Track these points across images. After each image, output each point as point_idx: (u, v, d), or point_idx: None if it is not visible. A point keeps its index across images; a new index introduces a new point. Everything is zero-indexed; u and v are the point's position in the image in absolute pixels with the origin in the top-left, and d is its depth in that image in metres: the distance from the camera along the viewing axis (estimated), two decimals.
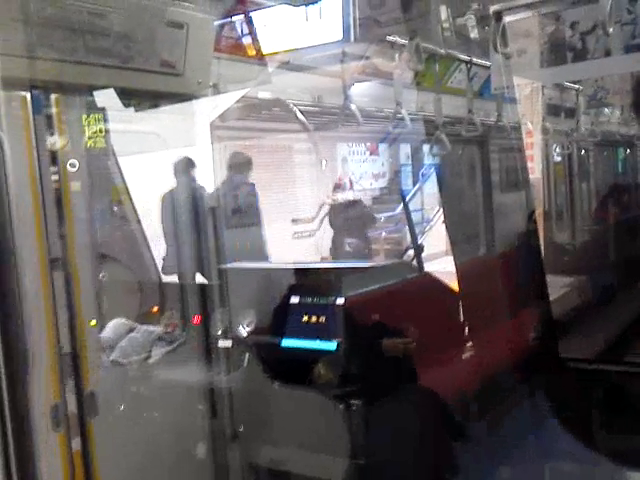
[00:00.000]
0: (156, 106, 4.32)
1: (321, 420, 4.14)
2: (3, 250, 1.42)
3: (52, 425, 3.49)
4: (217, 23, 4.47)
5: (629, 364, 3.84)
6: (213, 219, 4.50)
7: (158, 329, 4.47)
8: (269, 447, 4.45)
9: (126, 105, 4.06)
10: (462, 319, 5.27)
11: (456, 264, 5.26)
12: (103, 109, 4.01)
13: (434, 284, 5.22)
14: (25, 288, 3.42)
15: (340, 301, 4.29)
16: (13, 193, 3.38)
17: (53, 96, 3.61)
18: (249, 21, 4.73)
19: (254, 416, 4.48)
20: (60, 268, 3.62)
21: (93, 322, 3.92)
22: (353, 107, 5.16)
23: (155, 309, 4.63)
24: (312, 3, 3.86)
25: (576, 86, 8.41)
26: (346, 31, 4.40)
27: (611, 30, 3.44)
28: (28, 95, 3.49)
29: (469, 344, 5.27)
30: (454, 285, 5.14)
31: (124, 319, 4.41)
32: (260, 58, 4.96)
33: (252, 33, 4.79)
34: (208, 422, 4.60)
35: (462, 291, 5.12)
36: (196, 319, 4.58)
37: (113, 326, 4.33)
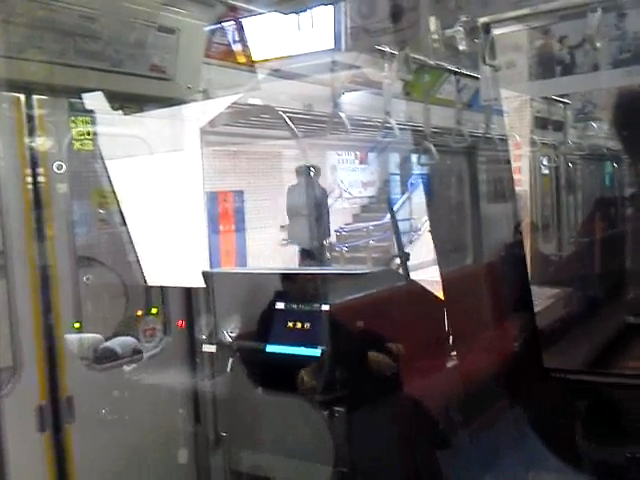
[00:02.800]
0: (145, 110, 4.33)
1: (304, 427, 4.14)
2: None
3: (37, 426, 3.50)
4: (208, 29, 4.49)
5: (613, 375, 3.87)
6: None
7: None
8: (252, 453, 4.44)
9: (116, 108, 4.07)
10: (447, 328, 5.28)
11: (441, 274, 5.27)
12: (92, 112, 4.00)
13: (419, 292, 5.23)
14: (14, 289, 3.44)
15: (325, 307, 4.29)
16: (3, 193, 3.39)
17: (44, 98, 3.62)
18: (240, 28, 4.75)
19: (238, 421, 4.47)
20: (45, 270, 3.63)
21: (77, 325, 3.92)
22: (342, 115, 5.17)
23: (139, 312, 4.61)
24: (301, 11, 3.88)
25: (564, 100, 8.47)
26: (337, 40, 4.42)
27: (599, 45, 3.48)
28: (21, 97, 3.50)
29: (453, 353, 5.27)
30: (439, 294, 5.15)
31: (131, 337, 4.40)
32: (250, 65, 4.98)
33: (243, 40, 4.81)
34: (191, 427, 4.59)
35: (447, 300, 5.13)
36: (180, 323, 4.58)
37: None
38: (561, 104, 8.59)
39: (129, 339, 4.34)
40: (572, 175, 10.76)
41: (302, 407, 4.09)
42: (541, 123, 8.69)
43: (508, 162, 6.88)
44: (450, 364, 5.21)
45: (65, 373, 3.71)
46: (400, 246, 6.11)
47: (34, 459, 3.55)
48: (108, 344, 4.20)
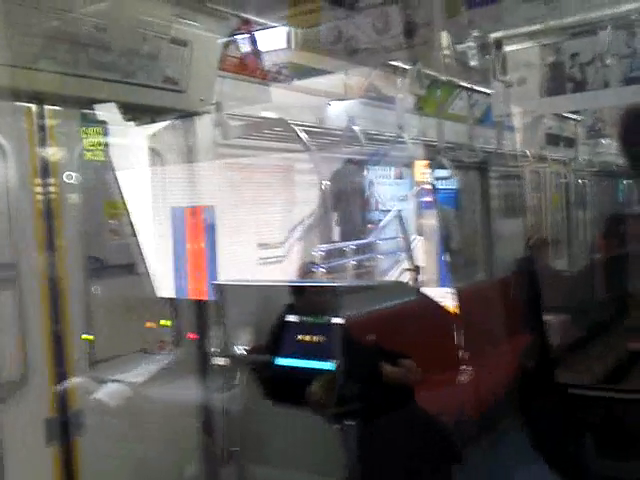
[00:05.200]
0: (158, 121, 4.36)
1: (316, 441, 4.12)
2: (4, 263, 1.42)
3: (46, 438, 3.49)
4: (222, 42, 4.52)
5: (626, 392, 3.84)
6: None
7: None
8: (263, 467, 4.42)
9: (130, 119, 4.10)
10: (460, 342, 5.27)
11: (455, 288, 5.28)
12: (106, 123, 4.02)
13: (432, 306, 5.22)
14: (25, 300, 3.44)
15: (337, 320, 4.28)
16: (14, 201, 3.40)
17: (58, 108, 3.65)
18: (253, 41, 4.78)
19: (248, 436, 4.46)
20: (55, 282, 3.64)
21: (88, 337, 3.92)
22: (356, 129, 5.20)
23: (151, 325, 4.61)
24: (314, 26, 3.90)
25: (575, 116, 8.47)
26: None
27: (609, 62, 3.50)
28: (33, 107, 3.53)
29: (466, 368, 5.25)
30: (452, 308, 5.14)
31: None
32: (264, 78, 5.01)
33: (256, 53, 4.84)
34: (201, 441, 4.57)
35: (460, 314, 5.12)
36: (190, 336, 4.57)
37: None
38: (572, 121, 8.60)
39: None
40: (582, 191, 10.72)
41: (313, 421, 4.07)
42: (552, 140, 8.69)
43: (521, 177, 6.90)
44: (462, 378, 5.19)
45: (74, 386, 3.72)
46: (412, 260, 6.11)
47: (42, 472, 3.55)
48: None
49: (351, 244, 6.71)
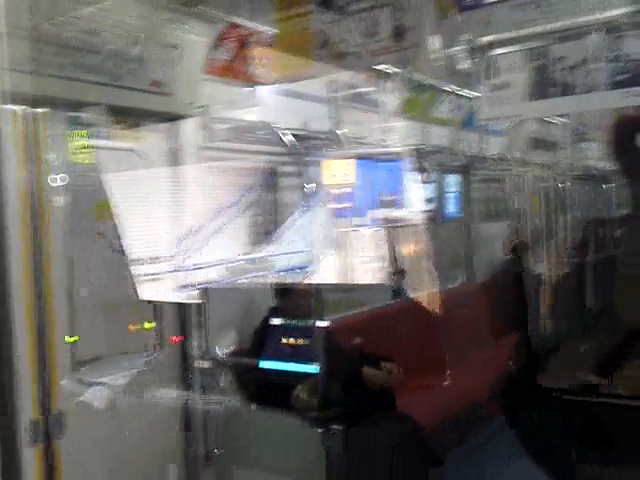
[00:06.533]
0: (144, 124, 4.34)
1: (299, 444, 4.12)
2: None
3: (30, 440, 3.47)
4: (209, 45, 4.51)
5: (608, 396, 3.86)
6: None
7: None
8: (245, 470, 4.41)
9: (115, 122, 4.08)
10: (442, 346, 5.29)
11: (438, 291, 5.30)
12: (90, 125, 4.00)
13: (415, 309, 5.24)
14: (14, 303, 3.42)
15: (321, 323, 4.29)
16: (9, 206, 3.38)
17: (46, 111, 3.62)
18: (241, 45, 4.78)
19: (231, 438, 4.44)
20: (40, 284, 3.62)
21: (70, 338, 3.90)
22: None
23: (134, 327, 4.59)
24: (301, 30, 3.91)
25: (558, 120, 8.54)
26: None
27: (596, 66, 3.52)
28: (20, 109, 3.50)
29: (449, 371, 5.28)
30: (436, 311, 5.17)
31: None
32: (251, 82, 5.01)
33: (244, 57, 4.83)
34: (183, 443, 4.56)
35: (443, 317, 5.14)
36: (174, 339, 4.56)
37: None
38: (555, 125, 8.66)
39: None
40: (563, 195, 10.79)
41: (296, 424, 4.07)
42: (535, 143, 8.75)
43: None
44: (445, 381, 5.21)
45: (57, 388, 3.69)
46: (395, 264, 6.13)
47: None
48: None
49: (238, 259, 5.59)
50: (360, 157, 6.44)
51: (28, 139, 3.56)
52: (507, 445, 4.25)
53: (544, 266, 9.45)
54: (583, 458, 3.75)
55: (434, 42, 3.07)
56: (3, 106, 3.40)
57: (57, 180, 3.75)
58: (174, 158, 4.60)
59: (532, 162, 8.76)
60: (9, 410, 3.38)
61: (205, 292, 4.74)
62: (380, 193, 7.38)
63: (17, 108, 3.51)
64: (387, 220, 7.12)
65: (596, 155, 9.78)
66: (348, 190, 6.75)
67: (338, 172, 6.61)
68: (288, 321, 4.44)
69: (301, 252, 6.19)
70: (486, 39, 3.37)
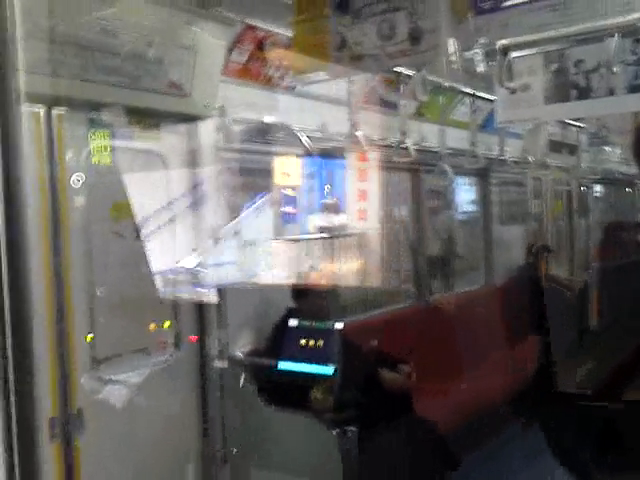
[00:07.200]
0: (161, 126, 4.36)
1: (315, 445, 4.13)
2: (17, 264, 1.44)
3: (49, 437, 3.51)
4: (226, 47, 4.53)
5: (626, 402, 3.84)
6: None
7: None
8: (261, 470, 4.43)
9: (134, 123, 4.11)
10: (460, 349, 5.27)
11: (457, 294, 5.27)
12: (109, 126, 4.03)
13: (433, 312, 5.23)
14: (33, 301, 3.44)
15: (339, 325, 4.29)
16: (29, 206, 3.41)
17: (65, 111, 3.66)
18: (258, 47, 4.79)
19: (248, 438, 4.46)
20: (60, 282, 3.66)
21: (89, 337, 3.93)
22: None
23: (152, 326, 4.61)
24: (318, 33, 3.91)
25: (578, 124, 8.48)
26: None
27: (615, 70, 3.50)
28: (40, 110, 3.54)
29: (467, 375, 5.25)
30: (454, 314, 5.15)
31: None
32: (268, 84, 5.02)
33: (261, 59, 4.85)
34: (200, 442, 4.58)
35: (461, 321, 5.12)
36: (192, 338, 4.58)
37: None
38: (575, 128, 8.60)
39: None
40: (584, 199, 10.70)
41: (313, 425, 4.08)
42: (555, 146, 8.68)
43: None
44: (463, 385, 5.19)
45: (76, 386, 3.72)
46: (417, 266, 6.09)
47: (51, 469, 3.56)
48: None
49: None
50: (313, 154, 5.46)
51: (48, 140, 3.61)
52: (524, 449, 4.24)
53: (566, 270, 9.39)
54: (601, 463, 3.73)
55: (451, 45, 3.07)
56: (23, 107, 3.43)
57: (76, 180, 3.79)
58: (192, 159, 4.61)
59: (551, 165, 8.69)
60: (28, 408, 3.41)
61: (222, 292, 4.75)
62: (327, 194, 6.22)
63: (37, 109, 3.55)
64: (322, 229, 5.94)
65: (617, 158, 9.71)
66: (295, 192, 5.66)
67: (291, 170, 5.55)
68: (305, 322, 4.45)
69: (231, 264, 5.09)
70: (503, 42, 3.36)
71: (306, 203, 5.84)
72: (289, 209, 5.58)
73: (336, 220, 6.05)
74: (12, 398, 1.53)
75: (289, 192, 5.55)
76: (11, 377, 1.54)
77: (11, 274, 1.49)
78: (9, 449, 1.49)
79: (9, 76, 1.44)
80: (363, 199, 5.98)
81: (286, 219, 5.56)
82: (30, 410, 1.65)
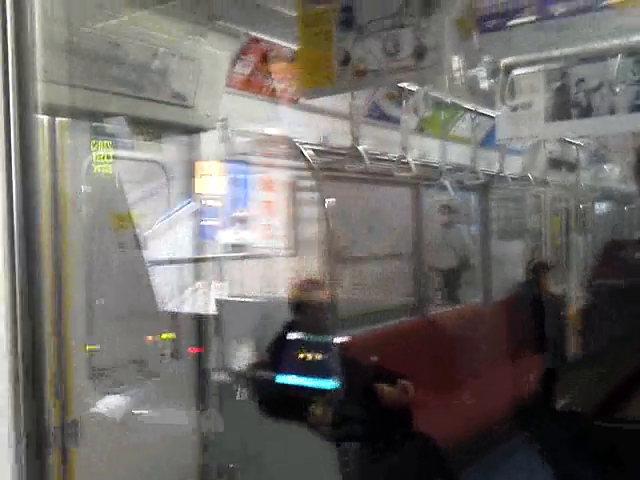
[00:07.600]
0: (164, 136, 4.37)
1: (314, 460, 4.11)
2: (29, 272, 1.45)
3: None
4: (231, 59, 4.56)
5: (626, 421, 3.83)
6: None
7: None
8: None
9: (137, 133, 4.12)
10: (459, 365, 5.26)
11: (456, 309, 5.28)
12: (112, 136, 4.04)
13: (433, 327, 5.23)
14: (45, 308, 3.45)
15: (338, 340, 4.28)
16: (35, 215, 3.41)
17: (69, 120, 3.67)
18: (262, 59, 4.82)
19: (246, 452, 4.44)
20: (60, 293, 3.65)
21: (88, 347, 3.92)
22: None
23: (149, 338, 4.60)
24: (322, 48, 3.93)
25: (578, 142, 8.50)
26: None
27: (617, 89, 3.53)
28: (44, 119, 3.54)
29: (466, 391, 5.25)
30: (453, 330, 5.14)
31: None
32: (271, 96, 5.04)
33: (264, 71, 4.87)
34: (198, 456, 4.56)
35: (461, 337, 5.11)
36: (190, 350, 4.57)
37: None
38: (574, 146, 8.62)
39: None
40: (582, 217, 10.71)
41: (312, 440, 4.06)
42: (554, 164, 8.71)
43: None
44: (462, 401, 5.18)
45: (72, 396, 3.71)
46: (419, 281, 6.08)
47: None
48: None
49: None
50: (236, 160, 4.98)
51: (51, 149, 3.61)
52: (522, 466, 4.22)
53: (564, 287, 9.38)
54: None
55: (455, 62, 3.08)
56: (28, 116, 3.44)
57: (79, 190, 3.79)
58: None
59: (552, 182, 8.71)
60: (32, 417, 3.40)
61: (221, 304, 4.75)
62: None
63: (41, 117, 3.56)
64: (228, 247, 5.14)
65: (617, 177, 9.73)
66: (216, 202, 4.87)
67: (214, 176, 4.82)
68: (305, 336, 4.44)
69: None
70: (507, 60, 3.38)
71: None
72: (210, 222, 4.80)
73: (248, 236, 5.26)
74: (22, 408, 1.53)
75: (211, 202, 4.80)
76: (21, 389, 1.55)
77: (21, 283, 1.50)
78: (19, 460, 1.50)
79: (28, 87, 1.45)
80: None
81: (205, 234, 4.77)
82: (40, 420, 1.65)
